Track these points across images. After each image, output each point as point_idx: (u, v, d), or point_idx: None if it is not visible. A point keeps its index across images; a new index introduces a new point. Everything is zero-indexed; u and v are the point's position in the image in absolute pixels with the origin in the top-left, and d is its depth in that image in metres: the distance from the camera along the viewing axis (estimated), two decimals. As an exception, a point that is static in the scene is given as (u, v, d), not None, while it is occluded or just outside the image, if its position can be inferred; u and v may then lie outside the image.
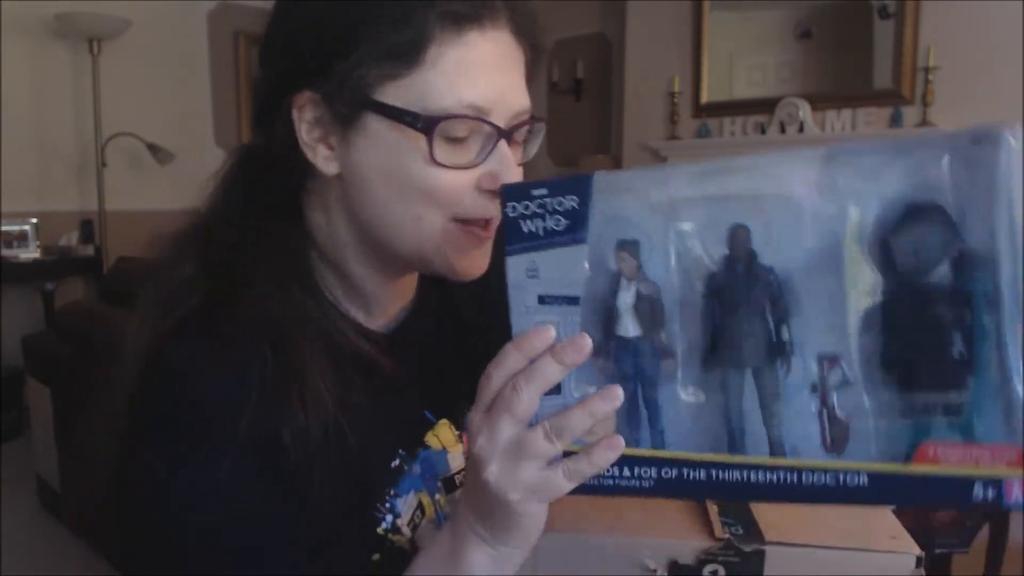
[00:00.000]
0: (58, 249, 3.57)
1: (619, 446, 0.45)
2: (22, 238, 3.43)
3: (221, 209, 0.63)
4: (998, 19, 3.08)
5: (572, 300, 0.46)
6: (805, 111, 3.58)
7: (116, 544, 0.62)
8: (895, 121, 3.38)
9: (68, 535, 2.39)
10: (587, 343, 0.45)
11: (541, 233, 0.46)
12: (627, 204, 0.45)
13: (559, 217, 0.45)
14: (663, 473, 0.47)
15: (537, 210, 0.46)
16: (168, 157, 3.77)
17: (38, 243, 3.47)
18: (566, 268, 0.46)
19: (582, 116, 4.66)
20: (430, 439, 0.67)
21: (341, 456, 0.57)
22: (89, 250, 3.61)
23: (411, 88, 0.54)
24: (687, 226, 0.45)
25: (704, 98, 3.97)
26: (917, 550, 0.57)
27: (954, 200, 0.41)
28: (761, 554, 0.57)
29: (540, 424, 0.46)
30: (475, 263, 0.60)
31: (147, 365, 0.56)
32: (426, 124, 0.53)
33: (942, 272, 0.41)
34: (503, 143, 0.56)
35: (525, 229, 0.46)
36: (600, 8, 4.50)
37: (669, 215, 0.45)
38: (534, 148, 0.63)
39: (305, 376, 0.55)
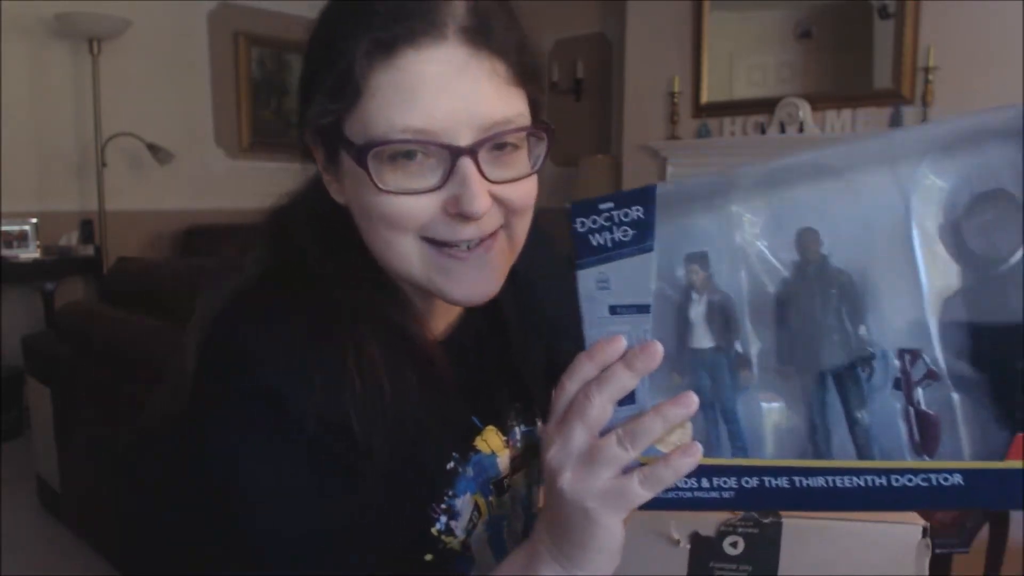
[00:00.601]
0: (58, 249, 3.57)
1: (697, 452, 0.45)
2: (22, 238, 3.43)
3: (295, 209, 0.65)
4: (998, 19, 3.08)
5: (643, 308, 0.46)
6: (805, 111, 3.58)
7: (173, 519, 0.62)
8: (895, 121, 3.37)
9: (68, 535, 2.39)
10: (658, 349, 0.45)
11: (609, 245, 0.46)
12: (692, 214, 0.46)
13: (626, 228, 0.46)
14: (744, 482, 0.46)
15: (604, 223, 0.46)
16: (168, 157, 3.77)
17: (38, 243, 3.47)
18: (635, 277, 0.46)
19: (582, 116, 4.66)
20: (479, 443, 0.68)
21: (399, 451, 0.58)
22: (89, 250, 3.61)
23: (357, 120, 0.54)
24: (754, 233, 0.45)
25: (704, 98, 3.97)
26: (923, 521, 0.58)
27: (1018, 182, 0.40)
28: (778, 525, 0.59)
29: (614, 431, 0.45)
30: (473, 286, 0.58)
31: (214, 348, 0.57)
32: (358, 154, 0.53)
33: (1019, 256, 0.40)
34: (464, 162, 0.53)
35: (594, 242, 0.47)
36: (600, 8, 4.50)
37: (735, 223, 0.45)
38: (539, 157, 0.59)
39: (364, 363, 0.56)
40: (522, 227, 0.60)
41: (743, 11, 3.90)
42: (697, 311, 0.46)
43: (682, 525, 0.60)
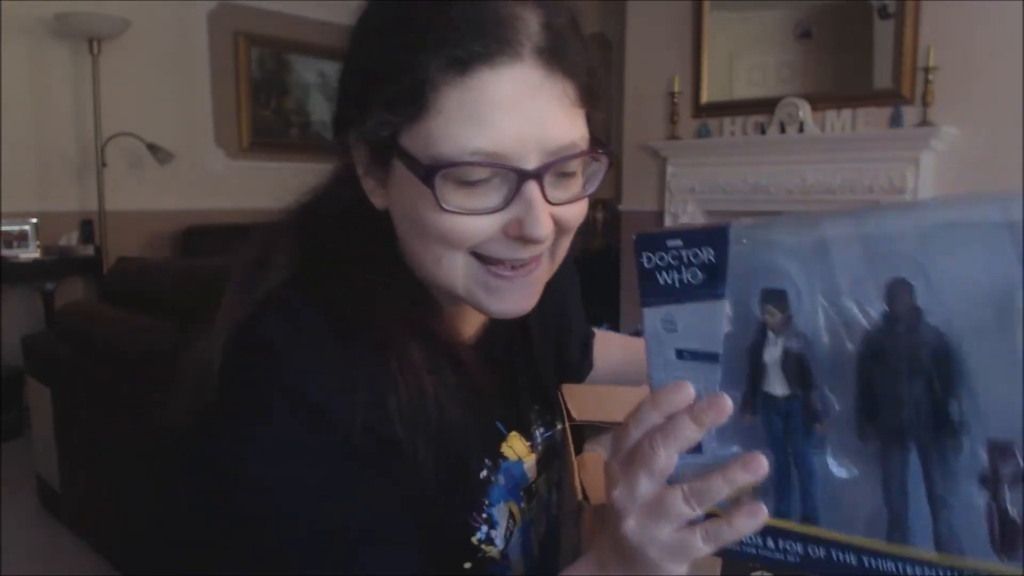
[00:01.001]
0: (58, 249, 3.57)
1: (760, 515, 0.43)
2: (22, 238, 3.43)
3: (321, 207, 0.63)
4: (998, 19, 3.08)
5: (712, 357, 0.44)
6: (805, 111, 3.57)
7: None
8: (895, 121, 3.37)
9: (68, 535, 2.39)
10: (727, 404, 0.43)
11: (677, 286, 0.44)
12: (772, 253, 0.42)
13: (695, 270, 0.43)
14: (810, 550, 0.44)
15: (672, 261, 0.44)
16: (168, 157, 3.78)
17: (38, 243, 3.47)
18: (704, 323, 0.44)
19: (582, 116, 4.65)
20: (505, 450, 0.67)
21: (441, 455, 0.57)
22: (89, 250, 3.61)
23: (420, 135, 0.52)
24: (839, 279, 0.41)
25: (704, 98, 3.97)
26: None
27: None
28: None
29: (679, 486, 0.44)
30: (514, 303, 0.58)
31: (245, 348, 0.55)
32: (426, 173, 0.52)
33: None
34: (529, 186, 0.52)
35: (661, 281, 0.44)
36: (600, 8, 4.50)
37: (819, 265, 0.41)
38: (595, 182, 0.58)
39: (406, 365, 0.56)
40: (565, 245, 0.60)
41: (743, 11, 3.89)
42: (772, 354, 0.43)
43: None
